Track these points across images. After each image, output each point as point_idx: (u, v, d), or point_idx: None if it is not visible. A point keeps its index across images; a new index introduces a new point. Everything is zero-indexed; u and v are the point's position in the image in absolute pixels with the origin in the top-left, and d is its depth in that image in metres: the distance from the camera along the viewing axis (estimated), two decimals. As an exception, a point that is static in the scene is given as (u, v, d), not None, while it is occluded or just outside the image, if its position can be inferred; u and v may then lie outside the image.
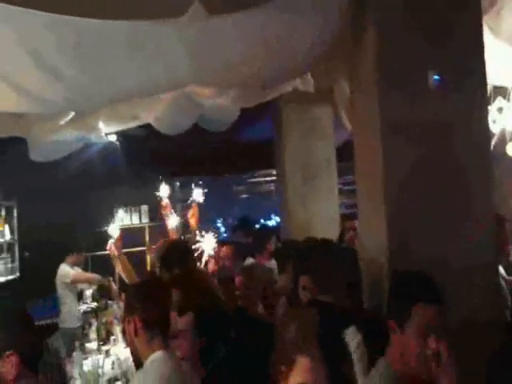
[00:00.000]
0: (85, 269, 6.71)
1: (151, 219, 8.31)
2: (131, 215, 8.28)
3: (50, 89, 2.76)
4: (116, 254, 4.41)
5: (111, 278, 6.21)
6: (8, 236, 7.42)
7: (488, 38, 3.09)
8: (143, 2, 2.43)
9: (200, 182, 5.30)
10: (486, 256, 2.78)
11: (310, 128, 5.57)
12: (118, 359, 4.26)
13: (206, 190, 5.18)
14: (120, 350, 4.58)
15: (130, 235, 5.14)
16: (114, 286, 6.23)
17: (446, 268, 2.60)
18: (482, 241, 2.78)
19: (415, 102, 2.79)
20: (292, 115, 5.60)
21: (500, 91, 4.39)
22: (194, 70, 2.96)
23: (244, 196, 13.95)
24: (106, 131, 4.70)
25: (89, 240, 6.79)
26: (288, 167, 5.62)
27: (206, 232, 4.56)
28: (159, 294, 2.32)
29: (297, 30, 2.85)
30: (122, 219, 6.99)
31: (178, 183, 9.40)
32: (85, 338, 5.34)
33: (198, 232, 4.68)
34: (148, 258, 6.06)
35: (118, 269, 4.53)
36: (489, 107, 3.66)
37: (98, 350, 4.83)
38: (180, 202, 8.30)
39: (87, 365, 4.24)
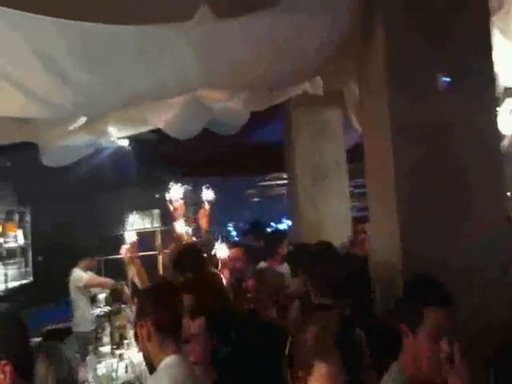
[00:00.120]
0: (98, 273, 6.74)
1: (163, 223, 8.32)
2: (143, 219, 8.30)
3: (59, 93, 2.79)
4: (130, 258, 4.42)
5: (124, 282, 6.21)
6: (21, 241, 7.48)
7: (498, 39, 3.06)
8: (151, 6, 2.44)
9: (207, 185, 5.25)
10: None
11: (319, 130, 5.59)
12: (132, 363, 4.26)
13: (216, 191, 5.12)
14: (133, 354, 4.58)
15: (141, 239, 5.13)
16: (127, 290, 6.23)
17: (461, 269, 2.58)
18: (494, 242, 2.74)
19: (425, 102, 2.77)
20: (302, 118, 5.62)
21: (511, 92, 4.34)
22: (203, 73, 2.97)
23: (255, 199, 13.93)
24: (117, 136, 4.72)
25: (101, 244, 6.82)
26: (298, 169, 5.64)
27: (217, 235, 4.54)
28: (170, 298, 2.30)
29: (305, 30, 2.84)
30: (134, 223, 7.00)
31: (189, 186, 9.39)
32: (98, 341, 5.35)
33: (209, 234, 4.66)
34: (160, 262, 6.06)
35: (131, 273, 4.54)
36: (498, 108, 3.61)
37: (112, 354, 4.83)
38: (192, 205, 8.31)
39: (101, 369, 4.25)
